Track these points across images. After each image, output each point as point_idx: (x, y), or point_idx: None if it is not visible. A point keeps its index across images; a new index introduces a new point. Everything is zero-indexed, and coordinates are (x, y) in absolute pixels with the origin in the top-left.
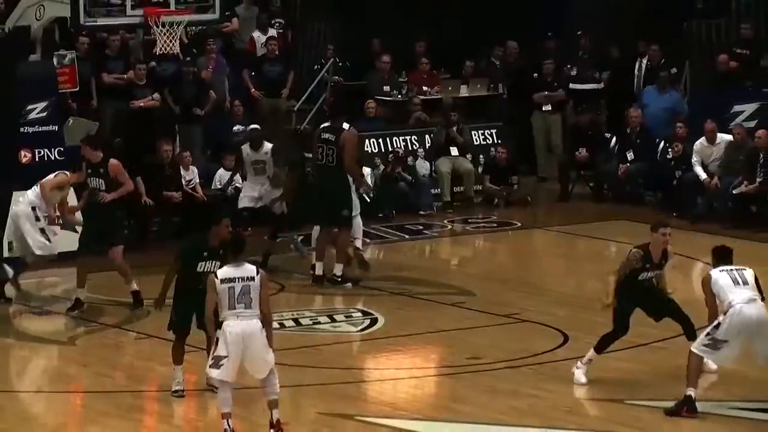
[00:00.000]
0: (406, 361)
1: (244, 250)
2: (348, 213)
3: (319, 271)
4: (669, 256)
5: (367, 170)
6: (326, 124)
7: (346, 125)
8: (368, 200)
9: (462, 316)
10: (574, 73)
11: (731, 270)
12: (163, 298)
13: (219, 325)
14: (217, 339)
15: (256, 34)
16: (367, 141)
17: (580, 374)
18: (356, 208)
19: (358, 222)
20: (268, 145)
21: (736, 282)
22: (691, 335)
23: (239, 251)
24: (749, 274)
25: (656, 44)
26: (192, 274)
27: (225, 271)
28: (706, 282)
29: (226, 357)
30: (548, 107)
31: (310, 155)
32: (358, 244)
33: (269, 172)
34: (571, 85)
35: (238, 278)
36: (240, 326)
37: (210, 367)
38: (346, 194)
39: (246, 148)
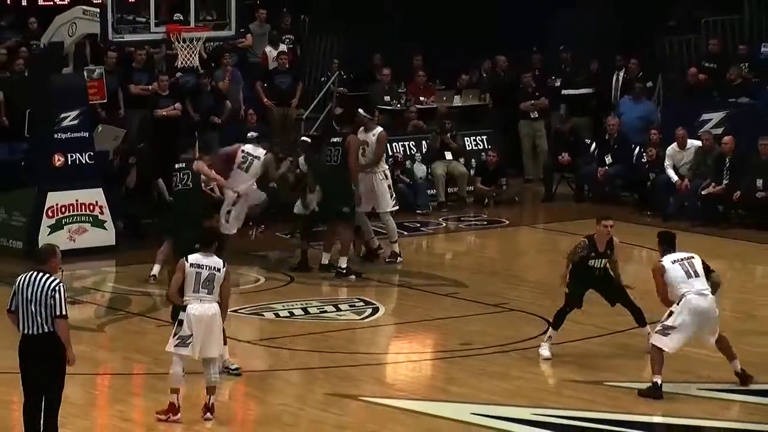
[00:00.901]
0: (405, 346)
1: (214, 242)
2: (348, 209)
3: (324, 260)
4: (614, 246)
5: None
6: (338, 129)
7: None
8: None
9: (455, 305)
10: (557, 84)
11: (683, 261)
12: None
13: (184, 308)
14: (180, 320)
15: (268, 49)
16: None
17: (544, 350)
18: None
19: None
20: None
21: (688, 274)
22: (641, 322)
23: (209, 243)
24: (698, 264)
25: (635, 58)
26: None
27: (195, 257)
28: (659, 271)
29: (191, 335)
30: (534, 115)
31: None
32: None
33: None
34: (564, 91)
35: (206, 266)
36: (202, 309)
37: (176, 345)
38: (347, 192)
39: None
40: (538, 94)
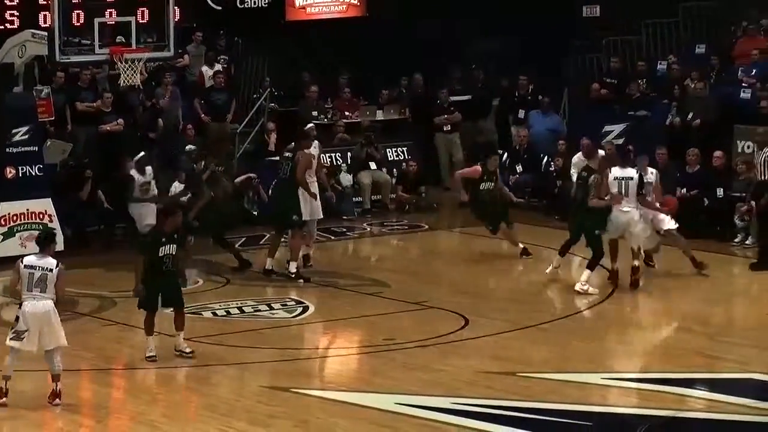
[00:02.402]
0: (333, 342)
1: (49, 245)
2: (297, 218)
3: (269, 265)
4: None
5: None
6: (290, 146)
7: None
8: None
9: (379, 304)
10: (469, 99)
11: (622, 179)
12: (138, 284)
13: (20, 304)
14: (17, 317)
15: (205, 68)
16: None
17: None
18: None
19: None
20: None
21: (619, 192)
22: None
23: (45, 245)
24: (633, 185)
25: (530, 76)
26: (156, 259)
27: (29, 259)
28: (605, 177)
29: (26, 331)
30: (447, 128)
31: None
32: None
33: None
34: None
35: (39, 267)
36: (35, 306)
37: (11, 339)
38: (296, 202)
39: None
40: (452, 108)
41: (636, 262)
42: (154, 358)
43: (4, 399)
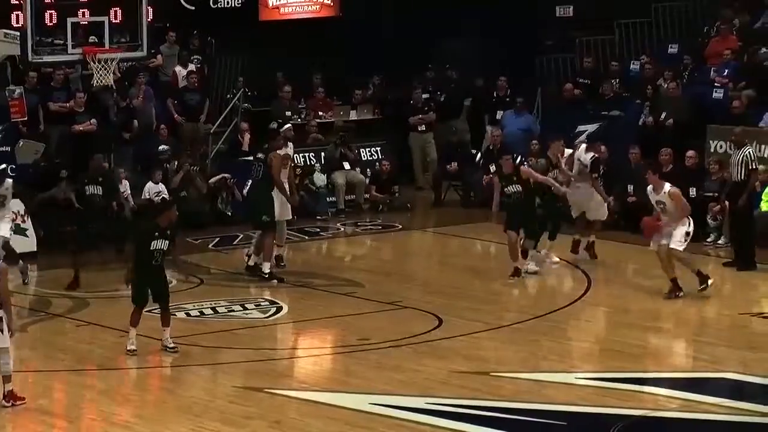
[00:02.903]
0: (307, 342)
1: None
2: (268, 218)
3: (251, 262)
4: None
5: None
6: (265, 146)
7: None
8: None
9: (353, 304)
10: (442, 99)
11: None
12: (131, 275)
13: None
14: None
15: (178, 68)
16: None
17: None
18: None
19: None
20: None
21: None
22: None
23: None
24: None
25: (504, 76)
26: (147, 252)
27: None
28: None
29: None
30: (422, 128)
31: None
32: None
33: None
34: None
35: None
36: None
37: None
38: (269, 203)
39: None
40: (426, 108)
41: (592, 237)
42: (135, 352)
43: None
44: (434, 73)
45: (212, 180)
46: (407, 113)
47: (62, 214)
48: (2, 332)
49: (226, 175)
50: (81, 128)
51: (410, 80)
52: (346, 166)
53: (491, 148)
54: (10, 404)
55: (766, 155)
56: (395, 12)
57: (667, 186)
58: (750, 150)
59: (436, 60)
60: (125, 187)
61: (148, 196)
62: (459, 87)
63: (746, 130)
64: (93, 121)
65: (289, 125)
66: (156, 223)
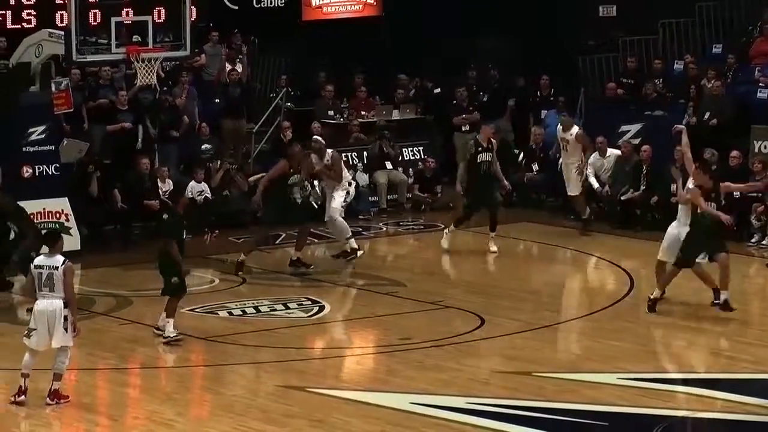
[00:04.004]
0: (349, 341)
1: (56, 243)
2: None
3: (294, 256)
4: (494, 145)
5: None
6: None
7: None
8: (315, 206)
9: (395, 303)
10: (485, 99)
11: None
12: (181, 268)
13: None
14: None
15: (222, 67)
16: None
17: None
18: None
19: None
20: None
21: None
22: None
23: (52, 244)
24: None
25: (547, 75)
26: (180, 244)
27: (39, 259)
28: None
29: (35, 329)
30: (466, 128)
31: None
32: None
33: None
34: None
35: (46, 266)
36: (44, 305)
37: (24, 337)
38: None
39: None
40: (471, 108)
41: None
42: (179, 338)
43: (23, 397)
44: (476, 73)
45: (252, 178)
46: (451, 113)
47: (100, 212)
48: (66, 331)
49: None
50: (112, 128)
51: (452, 80)
52: (388, 165)
53: (533, 147)
54: (54, 402)
55: None
56: (438, 12)
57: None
58: None
59: (477, 59)
60: (169, 186)
61: (191, 195)
62: (502, 86)
63: None
64: (127, 124)
65: (317, 137)
66: (179, 215)
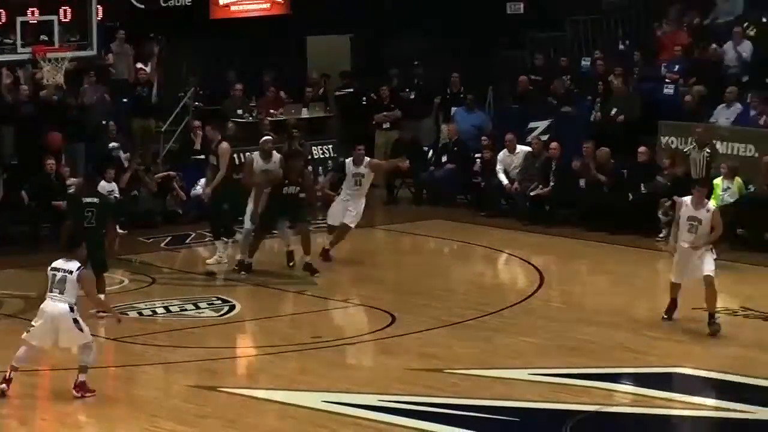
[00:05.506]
0: (260, 340)
1: (76, 247)
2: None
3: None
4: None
5: None
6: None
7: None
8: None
9: (306, 302)
10: (412, 96)
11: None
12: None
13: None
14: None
15: (129, 66)
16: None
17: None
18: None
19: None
20: (277, 155)
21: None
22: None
23: (72, 248)
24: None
25: (457, 73)
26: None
27: (56, 262)
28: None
29: (35, 326)
30: (387, 125)
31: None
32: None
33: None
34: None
35: (61, 269)
36: (51, 306)
37: (25, 332)
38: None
39: (257, 158)
40: (392, 106)
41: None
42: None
43: (5, 386)
44: (398, 70)
45: (157, 175)
46: (367, 111)
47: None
48: (81, 330)
49: (171, 172)
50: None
51: (373, 77)
52: None
53: (449, 140)
54: (80, 395)
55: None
56: (348, 8)
57: (711, 204)
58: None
59: (395, 58)
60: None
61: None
62: (428, 84)
63: (708, 128)
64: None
65: (266, 137)
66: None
